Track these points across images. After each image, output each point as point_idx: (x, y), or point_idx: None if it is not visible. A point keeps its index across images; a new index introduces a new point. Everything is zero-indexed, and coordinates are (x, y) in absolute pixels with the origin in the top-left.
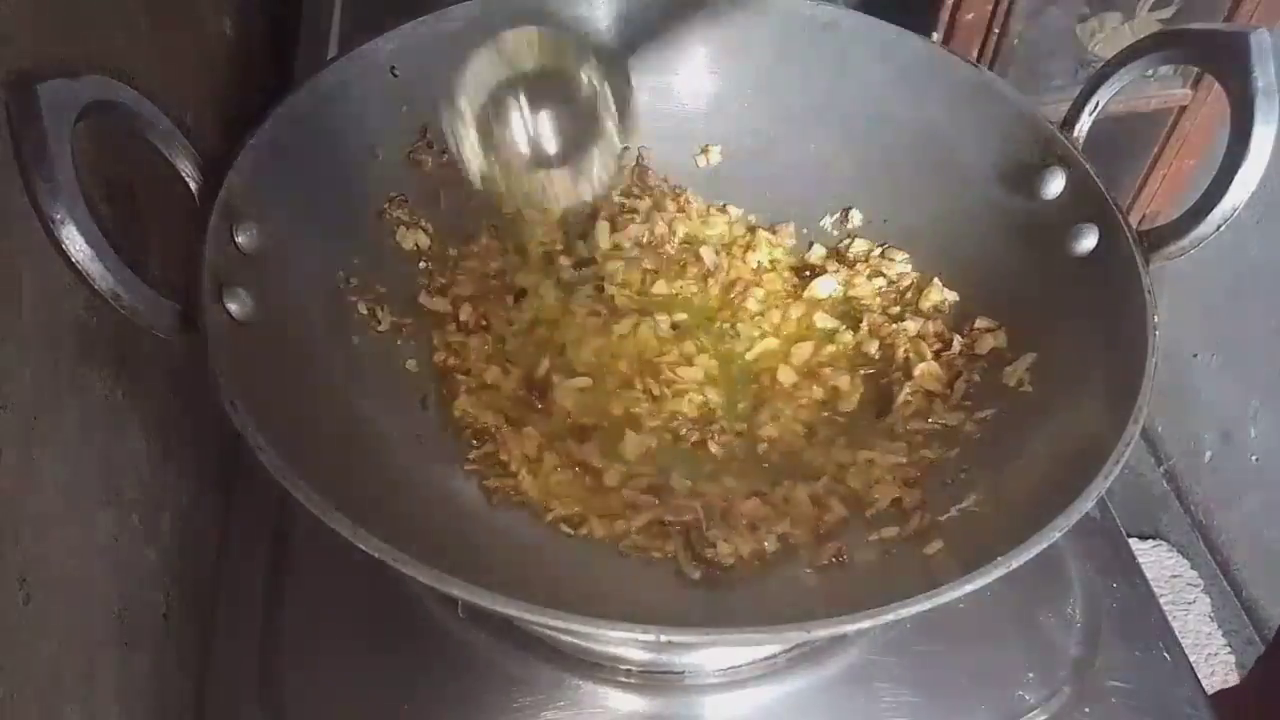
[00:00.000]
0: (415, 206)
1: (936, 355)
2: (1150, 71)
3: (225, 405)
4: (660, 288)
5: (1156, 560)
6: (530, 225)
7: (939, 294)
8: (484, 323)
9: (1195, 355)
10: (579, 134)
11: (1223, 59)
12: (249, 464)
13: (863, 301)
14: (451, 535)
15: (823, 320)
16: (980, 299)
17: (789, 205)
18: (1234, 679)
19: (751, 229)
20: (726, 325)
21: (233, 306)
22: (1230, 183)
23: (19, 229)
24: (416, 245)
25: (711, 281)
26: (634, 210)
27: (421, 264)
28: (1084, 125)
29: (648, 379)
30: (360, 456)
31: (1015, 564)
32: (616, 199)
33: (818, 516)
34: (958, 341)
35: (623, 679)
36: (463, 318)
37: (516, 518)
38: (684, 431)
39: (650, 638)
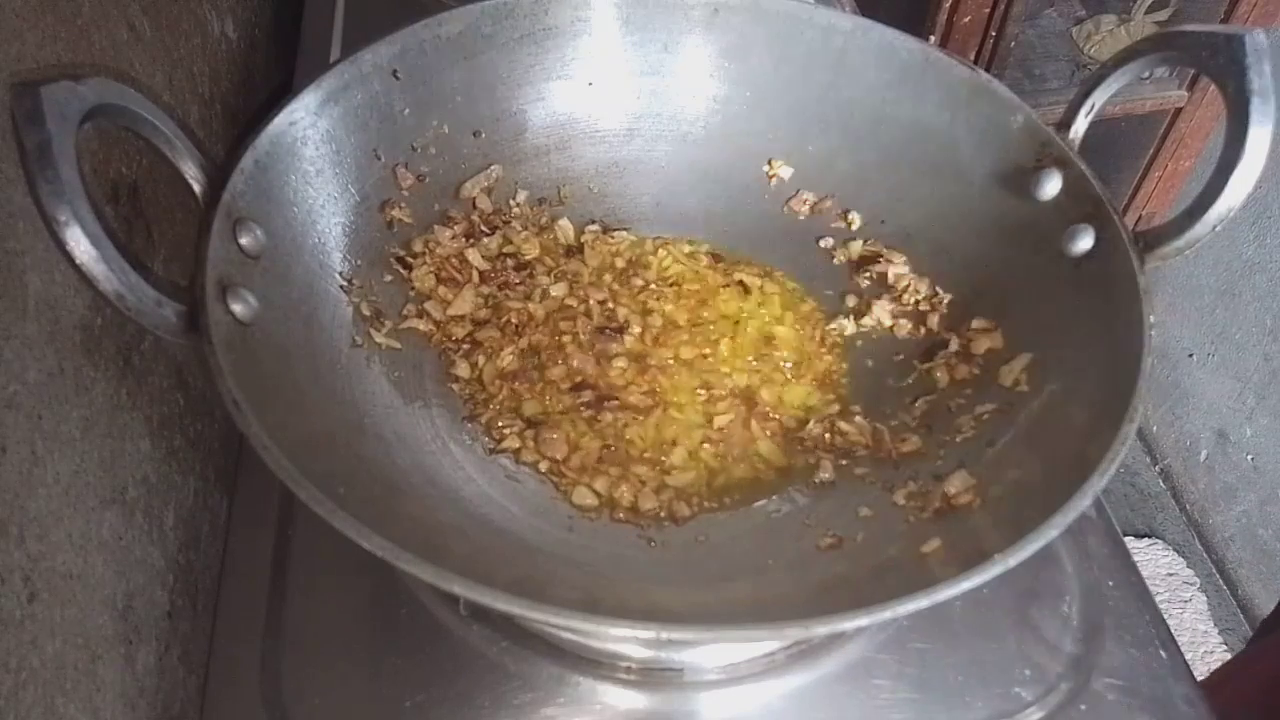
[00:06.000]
0: (412, 212)
1: (931, 354)
2: (1146, 74)
3: (228, 405)
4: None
5: (1152, 559)
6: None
7: (936, 294)
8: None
9: (1191, 355)
10: None
11: (1218, 61)
12: (252, 463)
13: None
14: (453, 534)
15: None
16: (977, 299)
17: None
18: None
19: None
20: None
21: (236, 307)
22: (1226, 184)
23: (23, 230)
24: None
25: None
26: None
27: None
28: (1080, 127)
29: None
30: (362, 455)
31: (1013, 562)
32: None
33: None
34: (954, 341)
35: (622, 675)
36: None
37: (518, 517)
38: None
39: (650, 635)
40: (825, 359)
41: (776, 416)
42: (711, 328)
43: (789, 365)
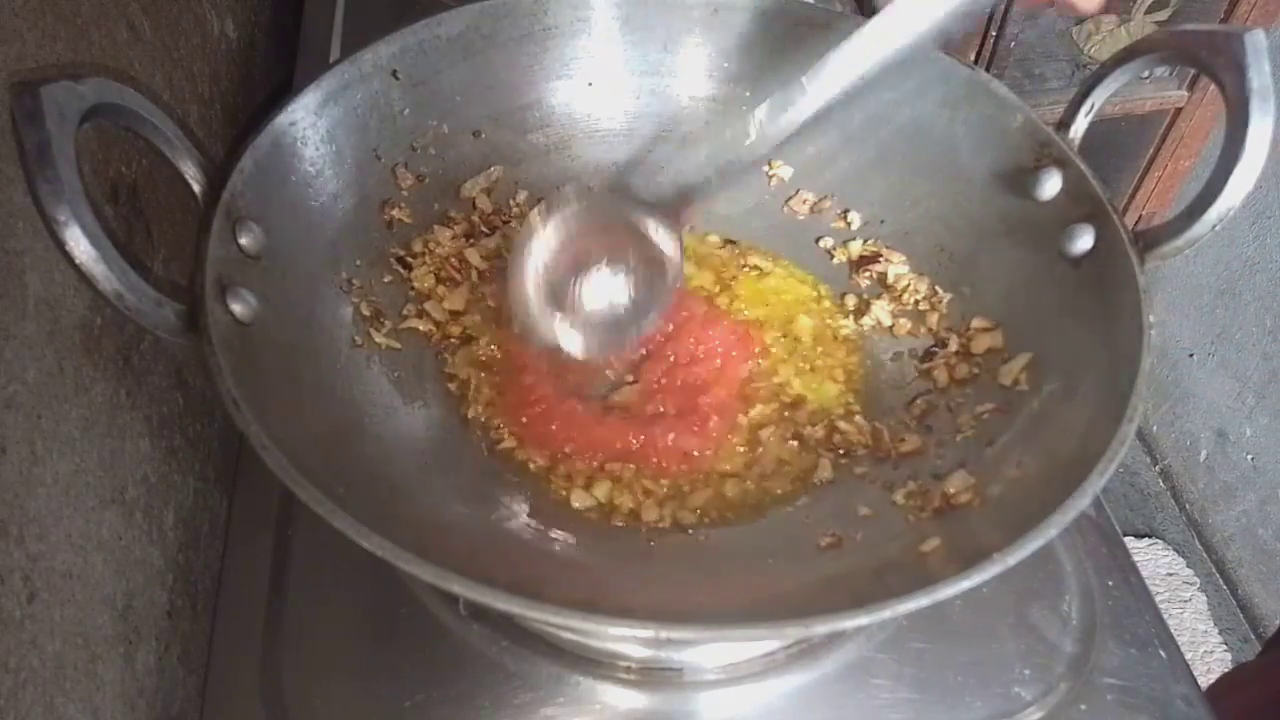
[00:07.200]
0: (412, 212)
1: (931, 354)
2: (1146, 73)
3: (228, 405)
4: None
5: (1152, 558)
6: None
7: (936, 294)
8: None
9: (1191, 354)
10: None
11: (1217, 60)
12: (252, 463)
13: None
14: (454, 534)
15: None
16: (977, 299)
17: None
18: None
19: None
20: None
21: (235, 307)
22: (1225, 183)
23: (23, 230)
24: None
25: None
26: None
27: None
28: (1080, 126)
29: None
30: (362, 456)
31: (1012, 561)
32: None
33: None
34: (954, 340)
35: (622, 675)
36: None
37: (519, 517)
38: None
39: (649, 634)
40: (839, 353)
41: (806, 421)
42: None
43: (811, 363)
